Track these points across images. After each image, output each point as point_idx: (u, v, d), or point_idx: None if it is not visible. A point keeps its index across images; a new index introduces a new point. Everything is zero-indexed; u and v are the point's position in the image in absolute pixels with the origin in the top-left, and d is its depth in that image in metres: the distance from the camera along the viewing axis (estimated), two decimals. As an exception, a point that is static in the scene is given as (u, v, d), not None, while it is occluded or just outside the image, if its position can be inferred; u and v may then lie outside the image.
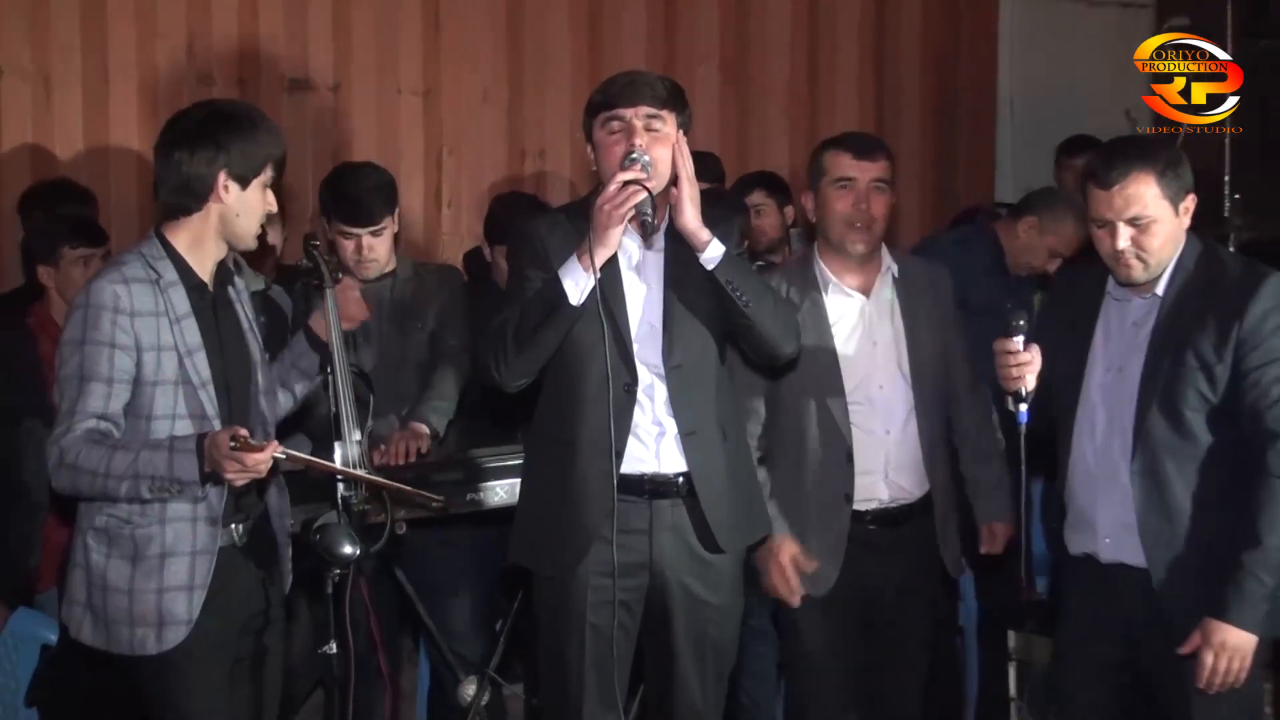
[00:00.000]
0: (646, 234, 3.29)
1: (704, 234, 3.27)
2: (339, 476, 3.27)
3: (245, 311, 3.36)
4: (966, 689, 4.93)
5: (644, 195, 3.17)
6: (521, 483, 3.62)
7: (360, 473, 3.33)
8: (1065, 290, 3.54)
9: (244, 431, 2.98)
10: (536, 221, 3.51)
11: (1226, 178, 4.74)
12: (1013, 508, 3.96)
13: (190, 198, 3.18)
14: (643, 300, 3.39)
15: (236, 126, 3.18)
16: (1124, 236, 3.24)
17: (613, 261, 3.32)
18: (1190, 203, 3.27)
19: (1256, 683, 3.42)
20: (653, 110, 3.31)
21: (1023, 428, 3.33)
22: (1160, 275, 3.28)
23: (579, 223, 3.34)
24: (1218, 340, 3.20)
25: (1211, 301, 3.23)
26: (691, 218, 3.26)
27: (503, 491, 4.00)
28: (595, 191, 3.38)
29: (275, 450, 2.99)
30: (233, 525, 3.23)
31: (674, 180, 3.29)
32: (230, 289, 3.34)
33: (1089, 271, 3.43)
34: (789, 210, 5.48)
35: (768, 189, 5.41)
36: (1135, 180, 3.22)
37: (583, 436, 3.34)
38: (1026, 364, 3.29)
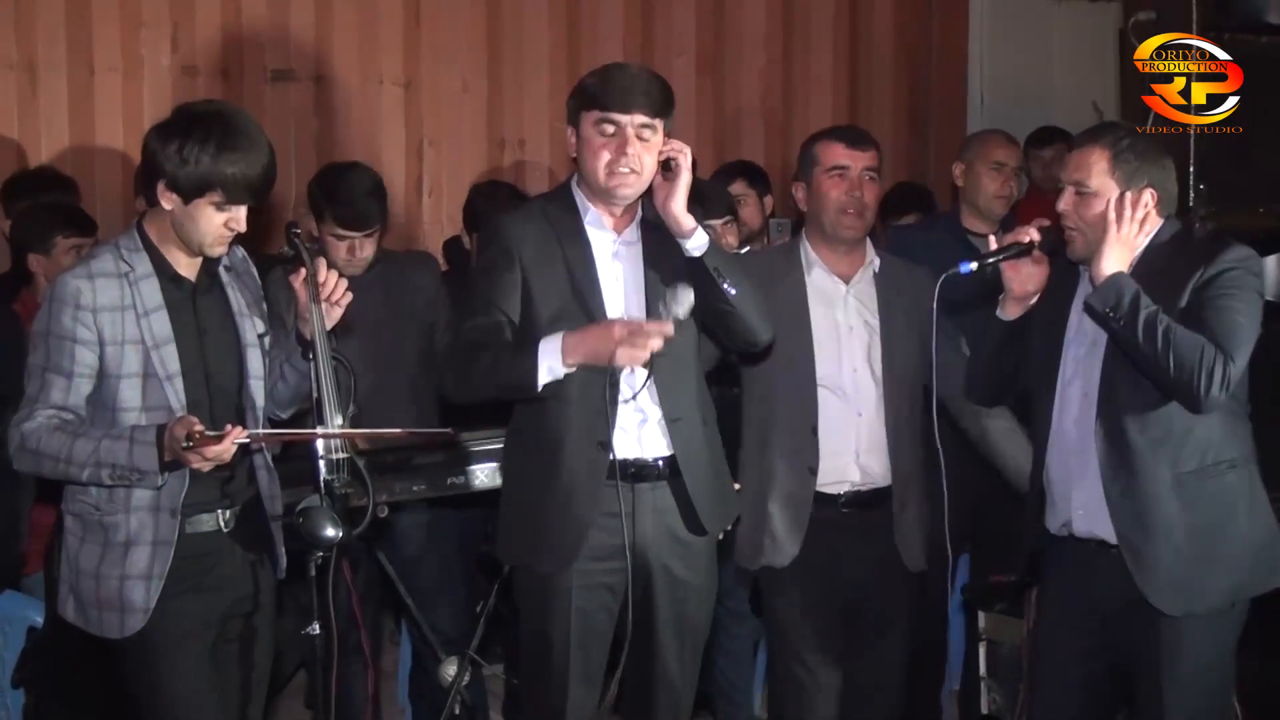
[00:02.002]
0: (613, 378, 3.34)
1: (689, 221, 3.32)
2: (319, 445, 3.21)
3: (238, 295, 3.36)
4: (949, 666, 4.98)
5: (645, 359, 3.23)
6: (505, 483, 3.63)
7: (337, 430, 3.25)
8: (1052, 270, 3.58)
9: (198, 426, 3.00)
10: (511, 220, 3.49)
11: (1191, 168, 4.78)
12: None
13: (148, 188, 3.22)
14: (621, 290, 3.42)
15: (187, 138, 3.12)
16: (1065, 198, 3.38)
17: (588, 254, 3.37)
18: (1148, 196, 3.32)
19: (1230, 667, 3.47)
20: (647, 119, 3.32)
21: (957, 273, 3.47)
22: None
23: (556, 221, 3.39)
24: (1176, 298, 3.27)
25: (1177, 270, 3.31)
26: (680, 204, 3.31)
27: (485, 475, 4.05)
28: (569, 182, 3.45)
29: (237, 436, 3.02)
30: (218, 511, 3.26)
31: (664, 168, 3.33)
32: (223, 273, 3.34)
33: None
34: (768, 200, 5.50)
35: (748, 179, 5.40)
36: (1090, 150, 3.35)
37: (568, 433, 3.37)
38: (1021, 239, 3.44)
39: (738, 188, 5.26)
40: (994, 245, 3.52)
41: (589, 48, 6.27)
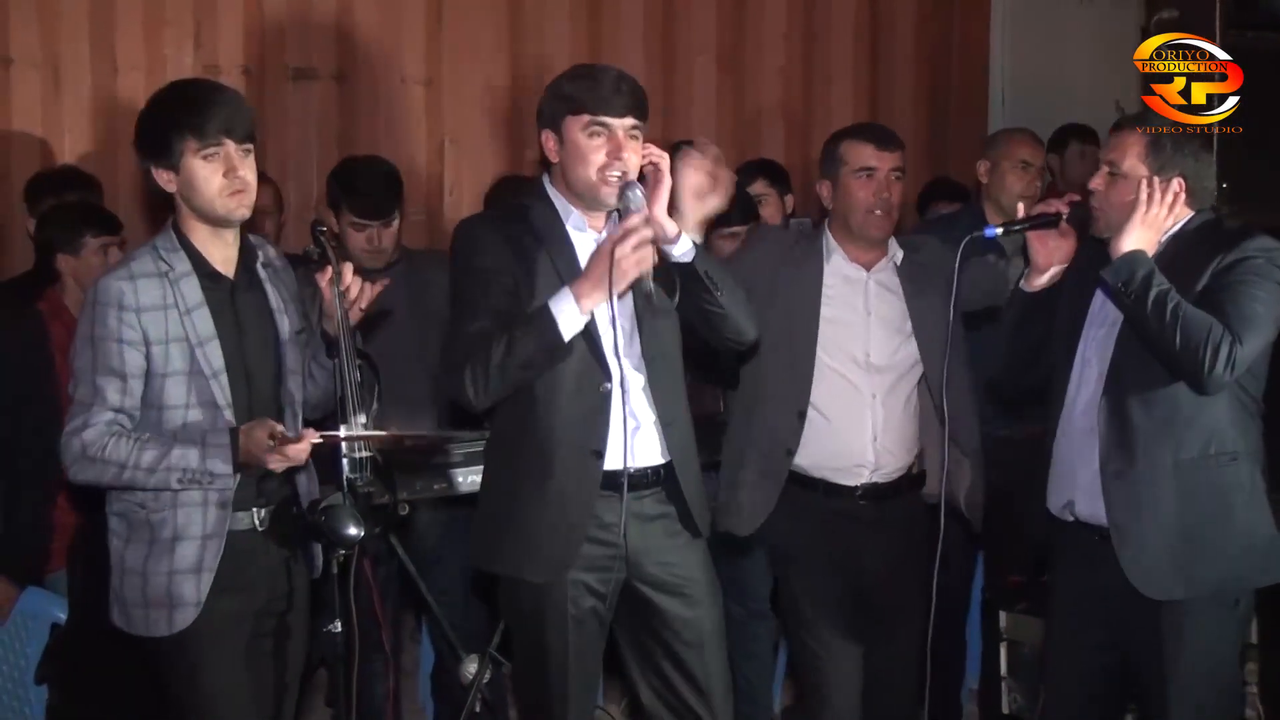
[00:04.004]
0: (639, 295, 3.26)
1: (673, 227, 3.26)
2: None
3: (276, 291, 3.38)
4: (969, 665, 5.01)
5: (654, 261, 3.17)
6: (487, 490, 3.53)
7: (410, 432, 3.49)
8: (1081, 254, 3.61)
9: (279, 428, 3.07)
10: (492, 228, 3.42)
11: (1213, 166, 4.78)
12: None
13: (156, 187, 3.26)
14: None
15: (146, 114, 3.24)
16: (1097, 176, 3.44)
17: (574, 256, 3.33)
18: (1177, 186, 3.35)
19: (1235, 662, 3.50)
20: (636, 122, 3.31)
21: (981, 235, 3.58)
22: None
23: (538, 224, 3.35)
24: (1196, 281, 3.31)
25: (1200, 255, 3.35)
26: (662, 210, 3.25)
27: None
28: (533, 197, 3.41)
29: (313, 438, 3.08)
30: (253, 509, 3.27)
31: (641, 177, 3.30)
32: (261, 269, 3.36)
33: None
34: (789, 199, 5.49)
35: (769, 178, 5.39)
36: (1128, 133, 3.43)
37: (559, 440, 3.32)
38: (1054, 209, 3.53)
39: (758, 187, 5.25)
40: (1022, 214, 3.56)
41: (610, 46, 6.27)
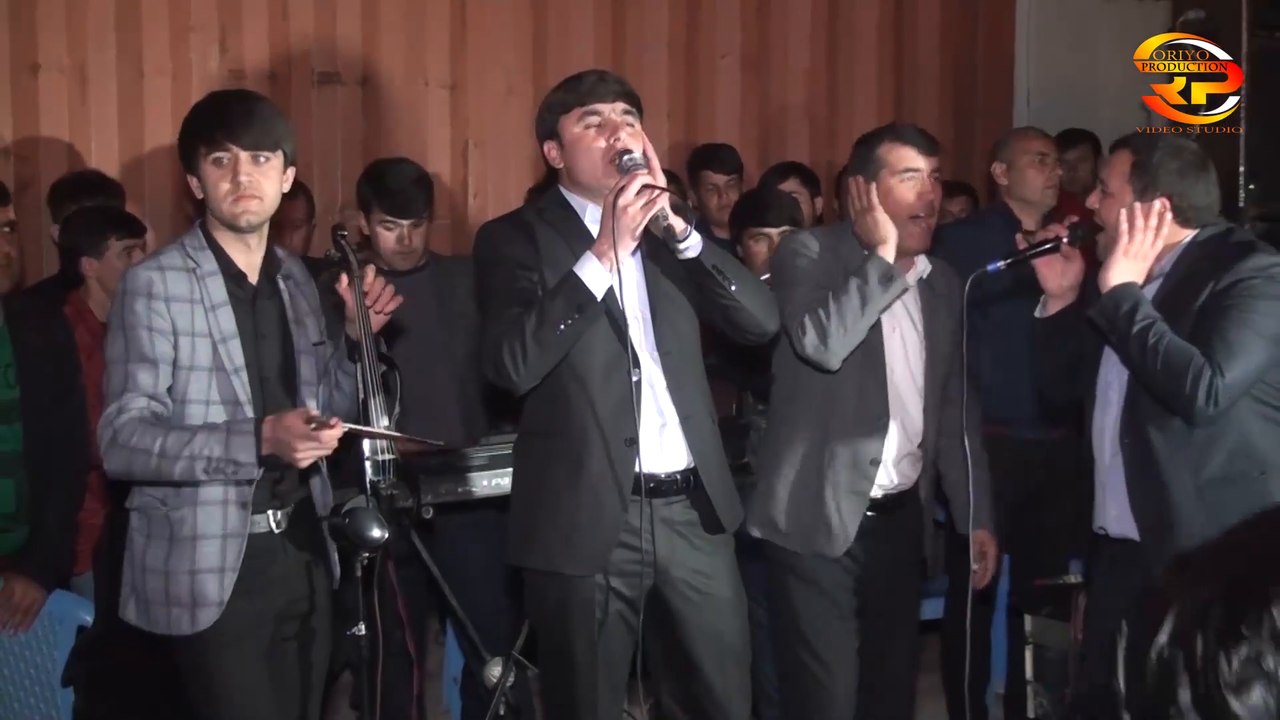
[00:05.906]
0: (660, 236, 3.27)
1: (679, 223, 3.24)
2: (365, 446, 3.26)
3: (295, 302, 3.37)
4: (992, 669, 5.00)
5: (664, 202, 3.16)
6: (521, 485, 3.49)
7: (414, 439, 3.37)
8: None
9: (315, 410, 3.06)
10: (513, 227, 3.44)
11: (1241, 168, 4.75)
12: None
13: (191, 193, 3.31)
14: (624, 290, 3.32)
15: (184, 123, 3.28)
16: (1093, 195, 3.44)
17: None
18: (1160, 206, 3.29)
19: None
20: (628, 107, 3.34)
21: (985, 272, 3.50)
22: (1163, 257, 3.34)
23: (558, 223, 3.36)
24: (1194, 301, 3.25)
25: (1202, 273, 3.29)
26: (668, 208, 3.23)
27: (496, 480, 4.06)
28: (550, 201, 3.43)
29: (342, 427, 3.05)
30: (270, 511, 3.27)
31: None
32: (281, 280, 3.36)
33: None
34: (818, 201, 5.49)
35: (801, 178, 5.39)
36: (1119, 153, 3.40)
37: (594, 430, 3.30)
38: (1053, 233, 3.49)
39: (790, 185, 5.24)
40: (1023, 245, 3.53)
41: (634, 48, 6.29)
